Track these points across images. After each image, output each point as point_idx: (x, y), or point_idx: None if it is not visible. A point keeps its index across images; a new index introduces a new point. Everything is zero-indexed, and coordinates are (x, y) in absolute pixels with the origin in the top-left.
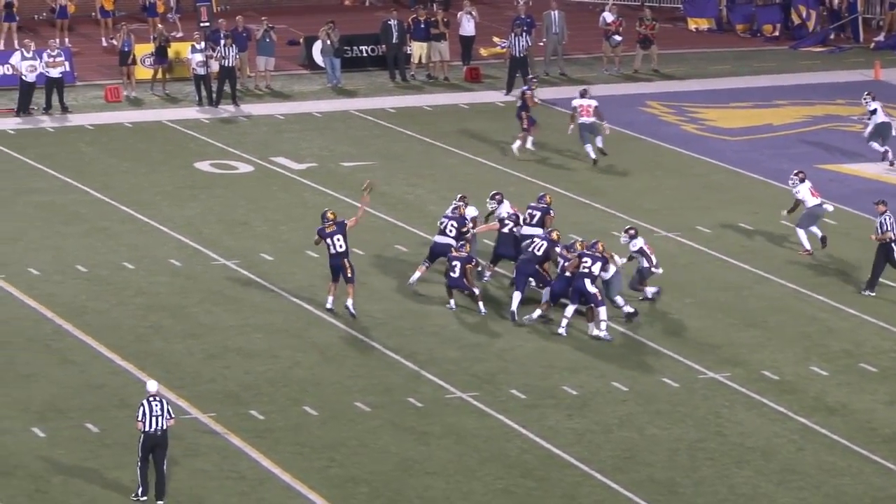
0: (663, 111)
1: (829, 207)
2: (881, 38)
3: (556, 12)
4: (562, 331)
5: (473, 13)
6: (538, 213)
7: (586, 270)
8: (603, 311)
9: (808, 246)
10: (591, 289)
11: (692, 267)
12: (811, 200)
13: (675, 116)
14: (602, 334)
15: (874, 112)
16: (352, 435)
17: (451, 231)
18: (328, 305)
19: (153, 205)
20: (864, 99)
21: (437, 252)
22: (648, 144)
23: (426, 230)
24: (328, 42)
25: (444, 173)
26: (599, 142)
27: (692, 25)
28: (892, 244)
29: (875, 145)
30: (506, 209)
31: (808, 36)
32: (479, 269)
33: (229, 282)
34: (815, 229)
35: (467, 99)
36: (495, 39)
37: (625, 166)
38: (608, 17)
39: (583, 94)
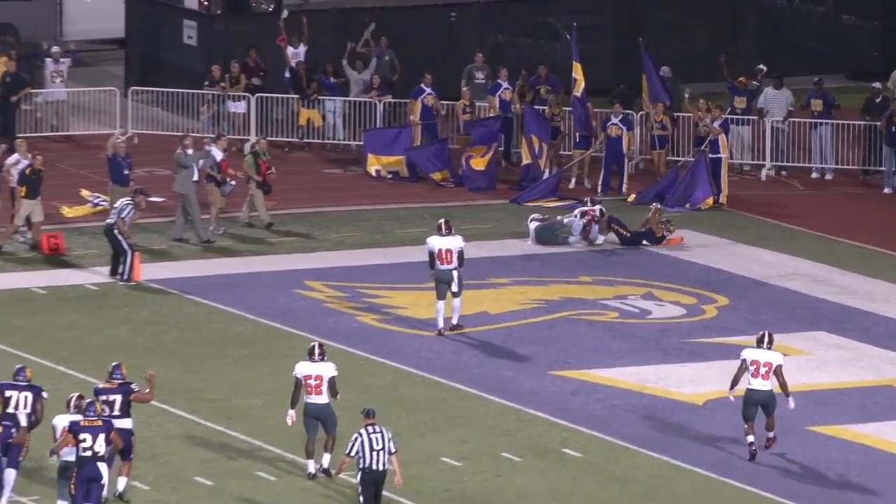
0: (331, 295)
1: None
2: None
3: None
4: None
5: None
6: (117, 397)
7: (88, 452)
8: None
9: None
10: (104, 471)
11: None
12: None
13: (349, 303)
14: None
15: None
16: None
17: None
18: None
19: None
20: None
21: None
22: (310, 342)
23: None
24: None
25: None
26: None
27: (372, 167)
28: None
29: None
30: None
31: (536, 183)
32: None
33: None
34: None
35: (43, 280)
36: (84, 193)
37: (276, 374)
38: (217, 153)
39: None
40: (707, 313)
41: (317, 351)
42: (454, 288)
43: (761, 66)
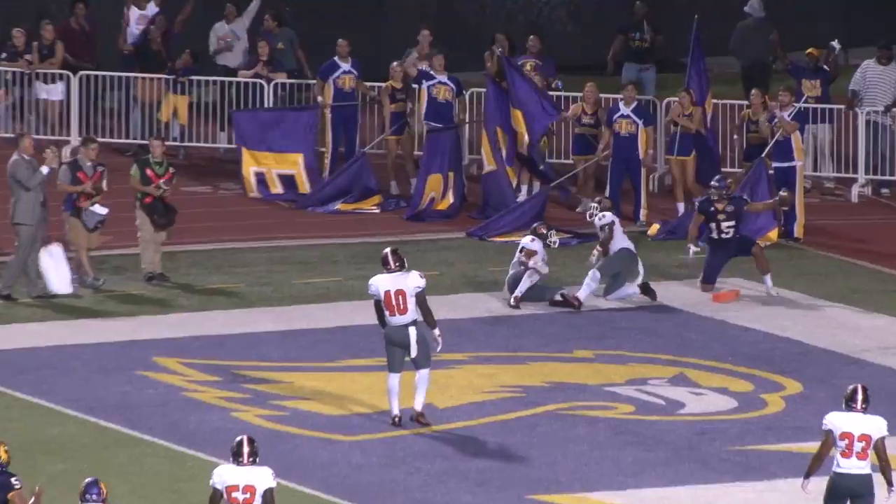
0: (193, 378)
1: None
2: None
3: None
4: None
5: None
6: None
7: None
8: None
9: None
10: None
11: None
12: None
13: (221, 391)
14: None
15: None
16: None
17: None
18: None
19: None
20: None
21: None
22: (168, 453)
23: None
24: None
25: None
26: None
27: (249, 168)
28: None
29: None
30: None
31: (508, 209)
32: None
33: None
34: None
35: None
36: None
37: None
38: (86, 165)
39: None
40: (770, 406)
41: (245, 451)
42: (413, 352)
43: (834, 44)
